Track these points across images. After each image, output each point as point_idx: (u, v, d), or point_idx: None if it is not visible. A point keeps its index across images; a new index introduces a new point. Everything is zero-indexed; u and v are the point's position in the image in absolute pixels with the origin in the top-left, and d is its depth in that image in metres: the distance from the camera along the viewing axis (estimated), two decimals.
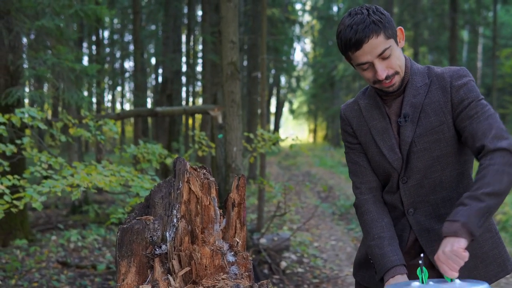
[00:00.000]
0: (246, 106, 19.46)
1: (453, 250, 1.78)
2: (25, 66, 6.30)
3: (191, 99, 24.78)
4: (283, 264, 6.05)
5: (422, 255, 1.89)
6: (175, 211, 2.03)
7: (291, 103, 45.72)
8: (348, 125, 2.26)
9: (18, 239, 6.90)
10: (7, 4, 5.92)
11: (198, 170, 2.16)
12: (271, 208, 10.37)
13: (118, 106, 34.83)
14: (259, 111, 14.11)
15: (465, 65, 25.65)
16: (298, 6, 34.93)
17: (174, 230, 2.01)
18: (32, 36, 6.96)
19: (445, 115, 2.03)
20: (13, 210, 3.78)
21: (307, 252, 7.07)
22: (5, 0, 5.88)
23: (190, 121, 25.21)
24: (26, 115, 4.58)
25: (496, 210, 1.89)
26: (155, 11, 18.49)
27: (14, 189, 4.52)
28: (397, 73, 2.02)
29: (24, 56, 5.73)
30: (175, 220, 2.02)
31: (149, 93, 25.25)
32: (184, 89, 21.09)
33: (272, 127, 37.81)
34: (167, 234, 2.01)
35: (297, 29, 30.28)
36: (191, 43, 21.11)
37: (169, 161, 5.42)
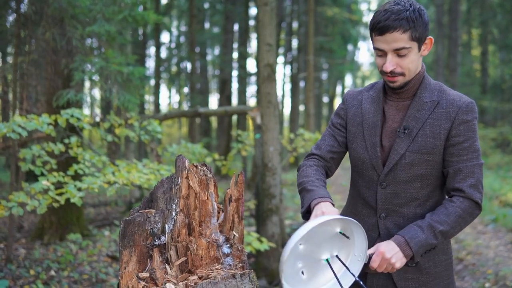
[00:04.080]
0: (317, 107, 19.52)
1: (394, 268, 1.99)
2: (88, 69, 6.69)
3: (254, 99, 25.11)
4: None
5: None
6: (174, 205, 2.18)
7: None
8: (344, 110, 2.34)
9: (73, 233, 7.29)
10: (61, 12, 6.29)
11: (199, 167, 2.29)
12: None
13: (184, 106, 35.64)
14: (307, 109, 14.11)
15: None
16: (364, 6, 34.67)
17: (172, 222, 2.15)
18: (88, 41, 7.34)
19: (440, 140, 2.08)
20: (55, 205, 4.04)
21: None
22: (60, 8, 6.24)
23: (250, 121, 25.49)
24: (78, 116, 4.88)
25: None
26: (212, 14, 18.87)
27: (60, 185, 4.82)
28: (403, 74, 2.06)
29: (77, 60, 6.06)
30: (174, 214, 2.16)
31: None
32: (245, 89, 21.38)
33: None
34: (166, 227, 2.16)
35: (362, 29, 29.98)
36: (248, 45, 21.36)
37: (209, 160, 5.61)
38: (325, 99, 37.04)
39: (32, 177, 10.14)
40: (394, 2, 2.02)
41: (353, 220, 1.95)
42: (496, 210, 9.82)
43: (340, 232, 1.99)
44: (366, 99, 2.27)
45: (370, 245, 2.21)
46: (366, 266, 2.08)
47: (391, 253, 1.97)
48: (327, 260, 2.00)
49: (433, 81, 2.18)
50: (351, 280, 2.05)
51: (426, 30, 2.03)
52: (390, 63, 2.03)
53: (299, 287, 2.03)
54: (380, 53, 2.06)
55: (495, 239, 7.97)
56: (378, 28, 2.00)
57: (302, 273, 2.03)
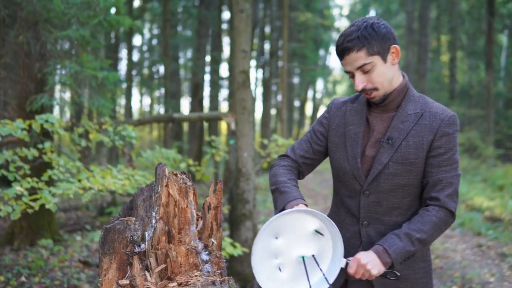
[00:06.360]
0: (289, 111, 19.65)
1: (371, 275, 2.06)
2: (62, 73, 6.63)
3: (226, 104, 25.15)
4: None
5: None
6: (154, 213, 2.21)
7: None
8: (327, 119, 2.40)
9: (44, 239, 7.21)
10: (35, 16, 6.24)
11: (178, 175, 2.33)
12: None
13: (158, 110, 35.45)
14: (284, 115, 14.20)
15: (503, 71, 25.07)
16: (336, 11, 35.03)
17: (152, 230, 2.18)
18: (59, 46, 7.29)
19: (423, 151, 2.15)
20: (29, 210, 4.02)
21: None
22: (34, 11, 6.19)
23: (225, 125, 25.50)
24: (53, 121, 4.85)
25: None
26: (184, 18, 18.86)
27: (34, 191, 4.79)
28: (376, 89, 2.14)
29: (51, 64, 6.02)
30: (153, 221, 2.19)
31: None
32: (218, 93, 21.39)
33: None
34: (146, 234, 2.20)
35: (334, 34, 30.29)
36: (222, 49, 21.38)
37: (183, 165, 5.63)
38: (297, 103, 37.30)
39: (5, 182, 9.99)
40: (350, 25, 2.12)
41: (329, 219, 2.04)
42: (463, 214, 10.04)
43: (316, 231, 2.07)
44: (350, 110, 2.33)
45: (353, 253, 2.29)
46: (345, 271, 2.15)
47: (367, 259, 2.05)
48: (302, 257, 2.08)
49: (417, 93, 2.24)
50: (326, 285, 2.12)
51: (385, 41, 2.09)
52: (359, 81, 2.12)
53: (274, 284, 2.09)
54: (349, 74, 2.16)
55: (462, 243, 8.16)
56: (338, 53, 2.13)
57: (280, 270, 2.10)
